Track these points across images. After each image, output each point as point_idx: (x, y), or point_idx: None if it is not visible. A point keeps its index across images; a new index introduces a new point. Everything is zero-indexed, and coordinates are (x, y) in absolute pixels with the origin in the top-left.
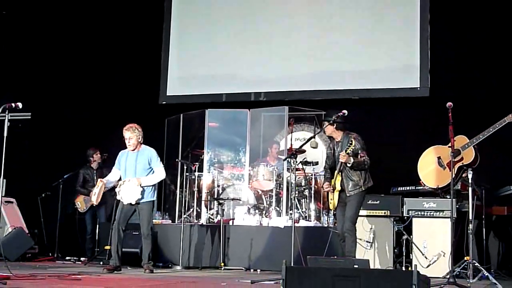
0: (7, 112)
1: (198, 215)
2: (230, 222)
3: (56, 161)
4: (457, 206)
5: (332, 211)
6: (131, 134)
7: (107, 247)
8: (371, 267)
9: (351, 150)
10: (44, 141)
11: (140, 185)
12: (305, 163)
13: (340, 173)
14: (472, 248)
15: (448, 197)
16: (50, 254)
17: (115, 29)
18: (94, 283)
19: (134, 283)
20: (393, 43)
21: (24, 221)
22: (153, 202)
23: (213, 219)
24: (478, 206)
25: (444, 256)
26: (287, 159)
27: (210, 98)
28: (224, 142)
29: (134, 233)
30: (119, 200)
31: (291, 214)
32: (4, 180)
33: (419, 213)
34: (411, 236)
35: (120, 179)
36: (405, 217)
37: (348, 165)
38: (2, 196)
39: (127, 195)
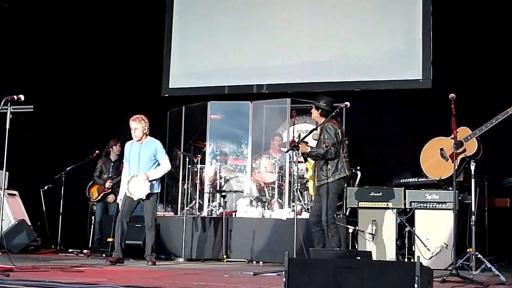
0: (9, 105)
1: (201, 208)
2: (233, 214)
3: (59, 154)
4: (460, 198)
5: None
6: (137, 124)
7: (110, 239)
8: (374, 258)
9: (321, 138)
10: (47, 134)
11: (148, 179)
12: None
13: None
14: (475, 240)
15: (450, 188)
16: (53, 247)
17: (117, 22)
18: (97, 275)
19: (137, 275)
20: (395, 34)
21: (27, 213)
22: (157, 194)
23: (216, 211)
24: (480, 197)
25: (446, 248)
26: (289, 151)
27: (212, 90)
28: (226, 134)
29: (136, 225)
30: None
31: (293, 206)
32: (7, 172)
33: (422, 205)
34: (413, 228)
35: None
36: (408, 209)
37: (305, 155)
38: (4, 189)
39: (136, 190)
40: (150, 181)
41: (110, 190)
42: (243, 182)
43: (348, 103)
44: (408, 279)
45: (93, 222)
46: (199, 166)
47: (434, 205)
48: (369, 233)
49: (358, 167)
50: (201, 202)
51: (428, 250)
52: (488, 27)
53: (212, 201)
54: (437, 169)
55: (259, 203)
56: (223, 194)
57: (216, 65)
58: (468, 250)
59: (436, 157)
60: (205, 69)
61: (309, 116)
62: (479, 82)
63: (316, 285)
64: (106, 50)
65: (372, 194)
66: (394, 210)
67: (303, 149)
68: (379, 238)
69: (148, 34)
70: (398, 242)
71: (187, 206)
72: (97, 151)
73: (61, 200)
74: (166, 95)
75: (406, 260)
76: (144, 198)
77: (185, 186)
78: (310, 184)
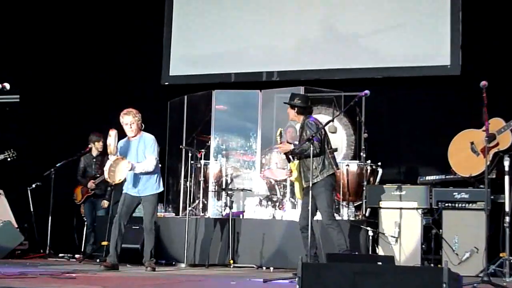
0: None
1: (205, 208)
2: (240, 215)
3: (48, 148)
4: (492, 197)
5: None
6: (132, 118)
7: (105, 243)
8: (396, 264)
9: (304, 135)
10: (35, 126)
11: (131, 169)
12: None
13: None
14: (509, 243)
15: (482, 186)
16: (42, 251)
17: (113, 4)
18: (90, 282)
19: (135, 282)
20: (421, 16)
21: (13, 214)
22: (157, 194)
23: (221, 212)
24: None
25: (477, 252)
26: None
27: (217, 78)
28: (233, 126)
29: (134, 227)
30: (121, 193)
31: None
32: None
33: (450, 204)
34: (440, 230)
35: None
36: (434, 209)
37: (291, 154)
38: None
39: (113, 175)
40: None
41: (93, 191)
42: (251, 179)
43: (368, 92)
44: (434, 286)
45: (88, 225)
46: (203, 162)
47: (463, 205)
48: (391, 236)
49: (379, 163)
50: (205, 202)
51: (457, 254)
52: None
53: (218, 201)
54: (466, 165)
55: (269, 202)
56: (229, 192)
57: (222, 50)
58: (501, 255)
59: (465, 152)
60: (210, 54)
61: (324, 106)
62: None
63: None
64: (99, 35)
65: (394, 193)
66: (419, 211)
67: (285, 148)
68: (402, 242)
69: (146, 16)
70: (423, 246)
71: (189, 206)
72: (90, 145)
73: (51, 200)
74: (166, 83)
75: (432, 265)
76: (117, 181)
77: (188, 184)
78: (296, 187)
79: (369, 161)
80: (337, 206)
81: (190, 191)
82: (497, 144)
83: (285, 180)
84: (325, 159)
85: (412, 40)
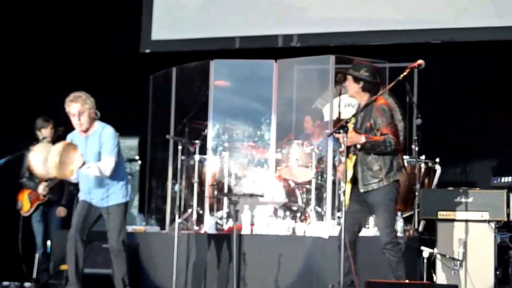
0: None
1: (200, 219)
2: (248, 230)
3: None
4: None
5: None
6: (82, 107)
7: (64, 267)
8: None
9: (370, 123)
10: None
11: (81, 166)
12: None
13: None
14: None
15: None
16: None
17: None
18: None
19: None
20: None
21: None
22: (125, 204)
23: (222, 225)
24: None
25: None
26: (333, 134)
27: (216, 43)
28: (238, 109)
29: (104, 245)
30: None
31: (339, 218)
32: None
33: None
34: None
35: None
36: None
37: (358, 146)
38: None
39: (57, 167)
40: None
41: (47, 198)
42: (263, 181)
43: (422, 62)
44: None
45: (38, 244)
46: (197, 157)
47: None
48: (454, 259)
49: (437, 159)
50: (201, 212)
51: None
52: None
53: (217, 210)
54: None
55: (287, 212)
56: (233, 199)
57: (222, 6)
58: None
59: None
60: (205, 12)
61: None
62: None
63: None
64: None
65: (458, 199)
66: (492, 224)
67: (354, 139)
68: (468, 266)
69: None
70: (498, 272)
71: (179, 218)
72: (45, 135)
73: None
74: (147, 50)
75: None
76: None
77: (177, 188)
78: (347, 190)
79: (423, 157)
80: None
81: (180, 197)
82: None
83: (308, 183)
84: (394, 159)
85: None
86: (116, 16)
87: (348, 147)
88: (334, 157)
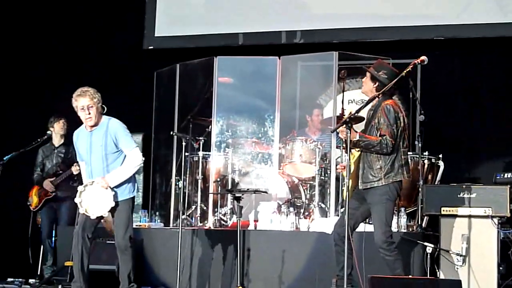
0: None
1: (204, 216)
2: (252, 226)
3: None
4: None
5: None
6: (90, 101)
7: (68, 263)
8: None
9: (375, 122)
10: None
11: (108, 186)
12: None
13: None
14: None
15: None
16: None
17: None
18: None
19: None
20: None
21: None
22: (131, 199)
23: (226, 222)
24: None
25: None
26: (337, 130)
27: (220, 40)
28: (241, 106)
29: (108, 242)
30: None
31: (343, 213)
32: None
33: None
34: None
35: None
36: None
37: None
38: None
39: (93, 206)
40: (113, 188)
41: (54, 193)
42: (267, 177)
43: (425, 58)
44: None
45: (44, 240)
46: (201, 153)
47: None
48: (457, 254)
49: (441, 155)
50: (205, 208)
51: None
52: None
53: (221, 206)
54: None
55: (291, 208)
56: (237, 195)
57: (226, 3)
58: None
59: None
60: (209, 8)
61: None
62: None
63: None
64: None
65: (461, 195)
66: (495, 220)
67: (345, 137)
68: (472, 262)
69: None
70: (501, 268)
71: (183, 214)
72: (49, 131)
73: None
74: (151, 47)
75: None
76: (106, 214)
77: (181, 184)
78: (350, 186)
79: (426, 153)
80: None
81: (184, 193)
82: None
83: (312, 179)
84: (396, 160)
85: None
86: (118, 13)
87: (345, 142)
88: (338, 157)
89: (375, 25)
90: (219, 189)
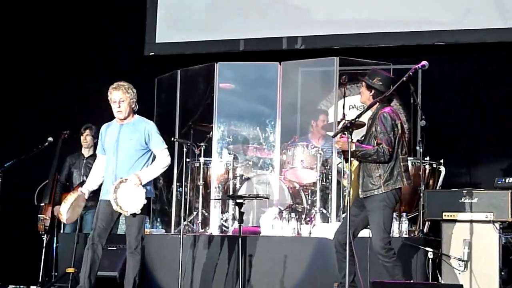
0: None
1: (206, 222)
2: (254, 232)
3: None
4: None
5: None
6: (123, 95)
7: (70, 270)
8: None
9: (372, 131)
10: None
11: (141, 183)
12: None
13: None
14: None
15: None
16: None
17: None
18: None
19: None
20: None
21: None
22: (149, 200)
23: (228, 228)
24: None
25: None
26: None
27: (221, 46)
28: (243, 111)
29: (110, 248)
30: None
31: (344, 218)
32: None
33: None
34: None
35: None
36: None
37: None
38: None
39: (128, 203)
40: (144, 186)
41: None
42: (268, 183)
43: (426, 63)
44: None
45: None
46: (202, 159)
47: None
48: (459, 259)
49: (442, 160)
50: (206, 214)
51: None
52: None
53: (223, 212)
54: None
55: (292, 214)
56: (238, 201)
57: (227, 9)
58: None
59: None
60: (210, 14)
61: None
62: None
63: None
64: None
65: (463, 200)
66: (497, 225)
67: (345, 146)
68: (473, 267)
69: None
70: (502, 273)
71: (185, 220)
72: (50, 138)
73: None
74: (152, 53)
75: None
76: (139, 212)
77: (182, 190)
78: (352, 194)
79: (427, 158)
80: None
81: (185, 199)
82: None
83: (314, 185)
84: (395, 167)
85: None
86: (119, 18)
87: (343, 152)
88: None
89: (375, 31)
90: (221, 195)
